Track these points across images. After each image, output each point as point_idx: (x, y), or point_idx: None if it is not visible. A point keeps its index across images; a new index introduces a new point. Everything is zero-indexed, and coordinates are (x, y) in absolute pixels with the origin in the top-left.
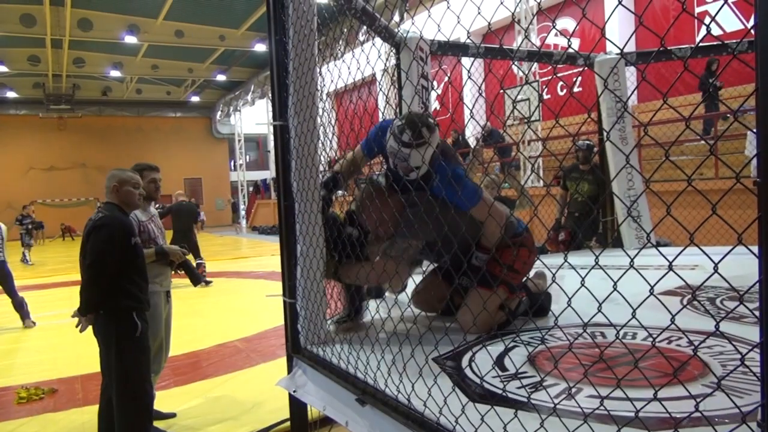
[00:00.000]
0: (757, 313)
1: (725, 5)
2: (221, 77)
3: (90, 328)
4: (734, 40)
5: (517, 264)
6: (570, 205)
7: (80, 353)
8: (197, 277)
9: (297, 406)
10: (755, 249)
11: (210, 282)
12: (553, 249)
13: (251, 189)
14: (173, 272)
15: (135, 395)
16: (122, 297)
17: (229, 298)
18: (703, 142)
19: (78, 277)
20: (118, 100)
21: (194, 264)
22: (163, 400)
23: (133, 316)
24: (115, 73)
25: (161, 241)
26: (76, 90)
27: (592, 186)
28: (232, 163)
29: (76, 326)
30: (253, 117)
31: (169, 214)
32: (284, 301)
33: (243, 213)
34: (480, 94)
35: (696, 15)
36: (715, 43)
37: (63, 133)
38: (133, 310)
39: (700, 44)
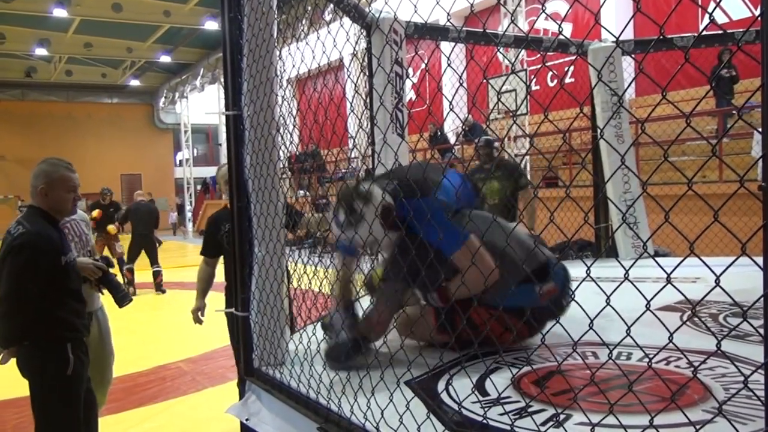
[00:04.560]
0: (762, 330)
1: None
2: (165, 58)
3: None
4: (740, 30)
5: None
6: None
7: None
8: (122, 296)
9: None
10: (760, 260)
11: (163, 291)
12: None
13: (199, 187)
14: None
15: None
16: (52, 325)
17: (172, 313)
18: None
19: None
20: (45, 82)
21: (154, 272)
22: None
23: (66, 350)
24: (41, 52)
25: (76, 250)
26: None
27: (501, 183)
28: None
29: None
30: (203, 105)
31: (127, 218)
32: (236, 316)
33: (189, 215)
34: (461, 84)
35: (699, 1)
36: (719, 32)
37: None
38: (67, 341)
39: (703, 33)
